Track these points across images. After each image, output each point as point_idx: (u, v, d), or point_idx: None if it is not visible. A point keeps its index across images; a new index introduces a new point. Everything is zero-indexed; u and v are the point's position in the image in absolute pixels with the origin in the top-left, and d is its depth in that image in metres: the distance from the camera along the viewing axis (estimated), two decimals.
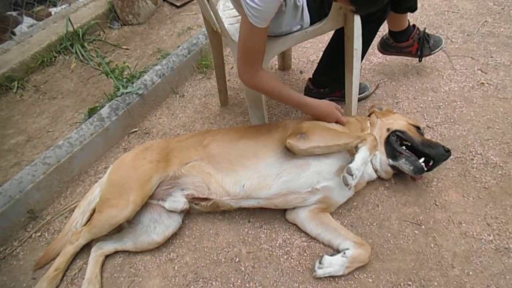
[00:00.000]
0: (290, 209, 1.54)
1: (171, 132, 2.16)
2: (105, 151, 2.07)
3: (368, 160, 1.37)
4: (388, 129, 1.59)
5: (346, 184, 1.32)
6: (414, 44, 2.02)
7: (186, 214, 1.64)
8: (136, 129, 2.21)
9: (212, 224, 1.62)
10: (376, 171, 1.59)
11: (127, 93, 2.17)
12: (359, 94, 2.08)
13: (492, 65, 2.19)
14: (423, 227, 1.45)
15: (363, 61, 2.35)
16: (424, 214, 1.50)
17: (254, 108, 1.73)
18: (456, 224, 1.44)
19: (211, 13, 1.47)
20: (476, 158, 1.68)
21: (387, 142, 1.56)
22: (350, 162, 1.33)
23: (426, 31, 2.05)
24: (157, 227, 1.54)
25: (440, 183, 1.60)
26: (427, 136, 1.81)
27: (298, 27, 1.51)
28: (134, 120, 2.21)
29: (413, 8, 1.79)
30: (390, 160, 1.54)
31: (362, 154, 1.35)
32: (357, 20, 1.52)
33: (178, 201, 1.55)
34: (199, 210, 1.61)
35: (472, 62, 2.25)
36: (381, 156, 1.56)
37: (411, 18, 2.64)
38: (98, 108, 2.15)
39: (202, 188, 1.54)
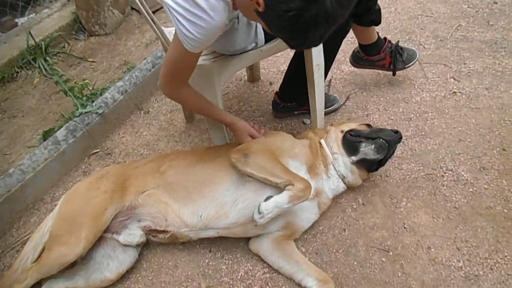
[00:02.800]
0: (254, 237, 1.45)
1: (134, 152, 2.05)
2: (62, 176, 1.95)
3: (284, 208, 1.23)
4: (342, 131, 1.55)
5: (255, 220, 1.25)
6: (386, 58, 1.94)
7: (146, 243, 1.54)
8: (97, 150, 2.09)
9: (171, 255, 1.52)
10: (343, 178, 1.50)
11: (86, 112, 2.05)
12: (329, 107, 2.00)
13: (465, 72, 2.14)
14: (390, 253, 1.37)
15: (334, 71, 2.29)
16: (392, 238, 1.42)
17: (214, 130, 1.64)
18: (425, 249, 1.37)
19: (158, 33, 1.37)
20: (447, 174, 1.61)
21: (344, 140, 1.51)
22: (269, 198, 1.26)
23: (400, 43, 1.99)
24: (111, 263, 1.43)
25: (410, 203, 1.53)
26: (398, 151, 1.74)
27: (253, 45, 1.42)
28: (94, 141, 2.09)
29: (377, 22, 1.71)
30: (352, 157, 1.47)
31: (280, 198, 1.23)
32: None
33: (134, 234, 1.45)
34: (158, 241, 1.51)
35: (445, 70, 2.19)
36: (342, 158, 1.49)
37: (384, 25, 2.59)
38: (55, 129, 2.03)
39: (159, 219, 1.44)
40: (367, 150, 1.43)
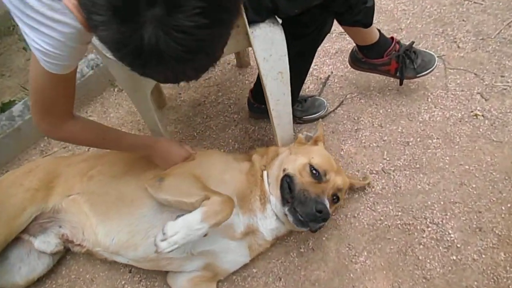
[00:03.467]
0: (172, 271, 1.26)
1: None
2: (18, 153, 1.86)
3: (196, 229, 0.96)
4: (284, 170, 1.22)
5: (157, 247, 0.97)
6: (391, 63, 1.52)
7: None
8: None
9: (92, 267, 1.38)
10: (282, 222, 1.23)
11: None
12: (311, 114, 1.67)
13: (498, 89, 1.65)
14: None
15: (338, 65, 1.90)
16: None
17: (145, 116, 1.38)
18: None
19: None
20: (429, 229, 1.27)
21: (281, 183, 1.20)
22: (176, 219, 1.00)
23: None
24: (22, 268, 1.32)
25: (370, 259, 1.23)
26: (378, 183, 1.41)
27: None
28: None
29: (363, 23, 1.29)
30: (285, 207, 1.17)
31: (192, 216, 0.97)
32: (258, 41, 1.10)
33: (49, 242, 1.32)
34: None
35: (474, 81, 1.71)
36: (276, 202, 1.20)
37: (418, 9, 2.09)
38: (16, 102, 1.90)
39: (77, 230, 1.29)
40: (289, 216, 1.14)
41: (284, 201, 1.17)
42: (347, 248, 1.26)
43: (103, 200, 1.27)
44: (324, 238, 1.30)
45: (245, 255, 1.21)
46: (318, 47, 1.35)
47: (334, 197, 1.22)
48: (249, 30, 1.06)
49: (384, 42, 1.47)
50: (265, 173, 1.26)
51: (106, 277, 1.35)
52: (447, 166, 1.42)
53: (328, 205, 1.12)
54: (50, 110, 0.97)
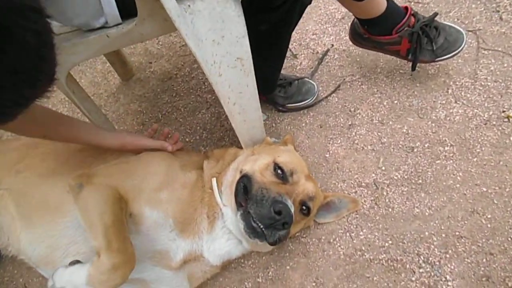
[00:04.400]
0: None
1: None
2: None
3: None
4: (241, 171, 0.97)
5: None
6: (402, 42, 1.15)
7: None
8: None
9: (27, 270, 1.23)
10: (238, 241, 0.99)
11: None
12: (297, 102, 1.35)
13: None
14: None
15: (341, 36, 1.53)
16: None
17: (81, 107, 1.11)
18: None
19: None
20: (422, 271, 1.00)
21: (237, 188, 0.95)
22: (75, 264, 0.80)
23: (441, 15, 1.16)
24: None
25: None
26: (366, 200, 1.12)
27: (101, 21, 0.80)
28: None
29: None
30: (237, 212, 0.92)
31: (78, 273, 0.77)
32: (200, 20, 0.77)
33: None
34: None
35: None
36: (230, 212, 0.96)
37: None
38: None
39: (2, 233, 1.11)
40: (239, 222, 0.88)
41: (238, 205, 0.92)
42: (314, 284, 1.03)
43: (28, 202, 1.06)
44: (288, 267, 1.07)
45: (184, 285, 0.99)
46: (295, 23, 0.99)
47: (303, 206, 0.96)
48: (180, 7, 0.72)
49: (394, 14, 1.09)
50: (213, 181, 1.00)
51: (40, 285, 1.19)
52: (458, 185, 1.11)
53: (291, 208, 0.86)
54: None
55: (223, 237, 0.98)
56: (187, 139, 1.41)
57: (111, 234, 0.78)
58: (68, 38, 0.86)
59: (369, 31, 1.16)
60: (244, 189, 0.93)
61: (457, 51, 1.16)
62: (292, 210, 0.87)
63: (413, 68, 1.24)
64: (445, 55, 1.17)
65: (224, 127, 1.42)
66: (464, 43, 1.15)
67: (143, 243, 0.88)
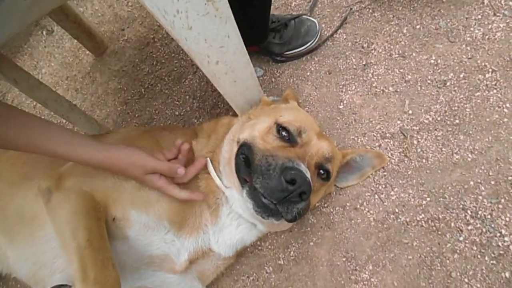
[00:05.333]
0: None
1: (27, 102, 1.49)
2: None
3: None
4: (238, 141, 0.81)
5: None
6: None
7: None
8: None
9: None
10: (251, 225, 0.85)
11: None
12: (299, 46, 1.14)
13: None
14: None
15: None
16: None
17: (25, 86, 0.90)
18: None
19: None
20: (470, 228, 0.84)
21: (236, 162, 0.79)
22: None
23: None
24: None
25: (377, 276, 0.86)
26: (394, 154, 0.94)
27: None
28: None
29: None
30: (242, 191, 0.76)
31: None
32: None
33: None
34: None
35: None
36: (235, 193, 0.80)
37: None
38: None
39: None
40: (248, 201, 0.72)
41: (242, 182, 0.76)
42: (344, 259, 0.89)
43: (5, 215, 0.94)
44: (311, 243, 0.93)
45: (195, 287, 0.87)
46: None
47: (321, 170, 0.80)
48: None
49: None
50: (208, 162, 0.83)
51: None
52: (505, 120, 0.90)
53: (307, 174, 0.70)
54: None
55: (232, 224, 0.83)
56: (176, 113, 1.23)
57: (86, 258, 0.63)
58: None
59: None
60: (246, 161, 0.76)
61: None
62: (308, 176, 0.70)
63: None
64: None
65: (217, 92, 1.20)
66: None
67: (134, 249, 0.75)
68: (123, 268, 0.77)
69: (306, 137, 0.80)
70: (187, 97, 1.25)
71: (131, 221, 0.73)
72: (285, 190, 0.67)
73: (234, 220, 0.84)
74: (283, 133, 0.79)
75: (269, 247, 0.95)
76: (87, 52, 1.49)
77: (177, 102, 1.25)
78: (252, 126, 0.83)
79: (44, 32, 1.61)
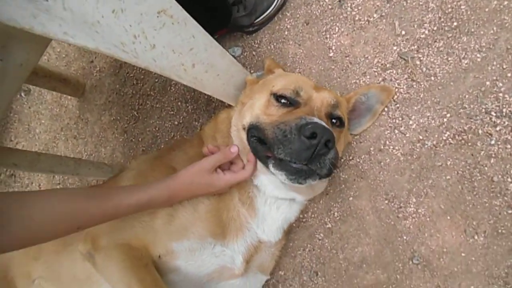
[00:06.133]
0: None
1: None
2: None
3: None
4: (243, 127, 0.81)
5: None
6: None
7: None
8: None
9: None
10: (290, 201, 0.85)
11: None
12: (266, 9, 1.08)
13: None
14: None
15: None
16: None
17: (27, 165, 0.91)
18: None
19: None
20: (499, 128, 0.81)
21: (251, 146, 0.79)
22: None
23: None
24: None
25: (423, 206, 0.86)
26: (400, 83, 0.91)
27: None
28: None
29: None
30: (268, 169, 0.75)
31: None
32: None
33: None
34: None
35: None
36: (263, 176, 0.81)
37: None
38: None
39: None
40: (278, 175, 0.71)
41: (264, 160, 0.75)
42: (386, 201, 0.89)
43: (62, 282, 0.98)
44: (351, 198, 0.93)
45: (260, 280, 0.90)
46: None
47: (332, 119, 0.80)
48: (31, 6, 0.46)
49: None
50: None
51: None
52: (506, 3, 0.83)
53: (323, 123, 0.69)
54: None
55: (272, 209, 0.84)
56: (175, 122, 1.22)
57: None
58: None
59: None
60: (260, 141, 0.75)
61: None
62: (325, 124, 0.69)
63: None
64: None
65: None
66: None
67: (190, 275, 0.77)
68: None
69: (304, 94, 0.79)
70: (179, 103, 1.23)
71: (176, 253, 0.75)
72: (310, 146, 0.66)
73: (272, 205, 0.84)
74: (282, 100, 0.78)
75: (313, 216, 0.97)
76: (69, 97, 1.47)
77: (171, 112, 1.24)
78: (251, 107, 0.82)
79: (23, 94, 1.59)
